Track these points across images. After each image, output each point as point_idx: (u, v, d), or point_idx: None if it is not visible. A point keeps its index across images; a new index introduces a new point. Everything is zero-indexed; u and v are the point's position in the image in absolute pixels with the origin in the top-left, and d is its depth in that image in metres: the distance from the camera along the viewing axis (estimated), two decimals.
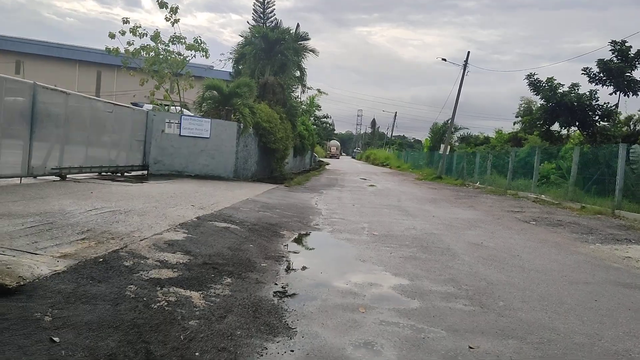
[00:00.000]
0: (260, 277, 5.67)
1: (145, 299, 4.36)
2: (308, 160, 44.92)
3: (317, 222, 10.57)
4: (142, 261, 5.47)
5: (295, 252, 7.45)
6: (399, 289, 5.66)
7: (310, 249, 8.21)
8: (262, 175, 24.00)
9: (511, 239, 9.76)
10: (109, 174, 14.82)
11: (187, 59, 23.73)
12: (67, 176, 12.33)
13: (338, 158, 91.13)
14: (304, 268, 6.41)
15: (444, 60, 35.07)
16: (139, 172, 16.70)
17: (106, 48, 23.50)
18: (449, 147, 37.31)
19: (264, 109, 22.36)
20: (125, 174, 15.60)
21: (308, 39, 32.64)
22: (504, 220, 12.70)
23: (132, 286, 4.62)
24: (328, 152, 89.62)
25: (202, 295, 4.69)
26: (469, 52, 33.60)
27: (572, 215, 14.21)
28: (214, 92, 19.53)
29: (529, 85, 19.46)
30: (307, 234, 9.11)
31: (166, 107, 22.11)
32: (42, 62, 39.75)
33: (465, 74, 33.41)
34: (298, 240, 8.41)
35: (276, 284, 5.48)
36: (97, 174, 14.32)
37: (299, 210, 12.15)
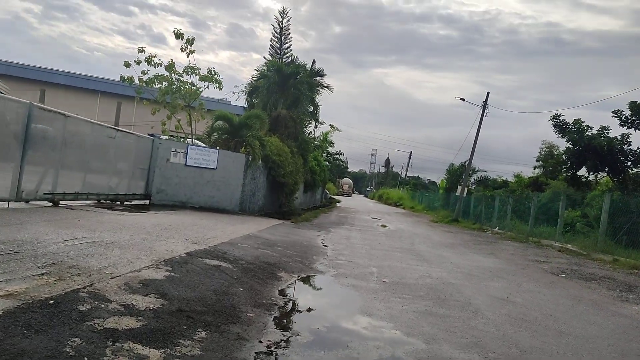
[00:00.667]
0: (243, 331, 4.69)
1: (86, 358, 3.41)
2: (319, 196, 44.06)
3: (320, 263, 9.58)
4: (103, 305, 4.54)
5: (290, 300, 6.46)
6: (413, 355, 4.63)
7: (308, 297, 7.20)
8: (270, 209, 23.12)
9: (540, 293, 8.64)
10: (107, 202, 14.05)
11: (200, 89, 23.39)
12: (61, 202, 11.56)
13: (350, 196, 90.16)
14: (298, 321, 5.41)
15: (463, 100, 34.46)
16: (141, 202, 15.92)
17: (121, 77, 23.24)
18: (466, 189, 36.18)
19: (275, 141, 21.69)
20: (126, 202, 14.82)
21: (323, 75, 32.30)
22: (529, 271, 11.56)
23: (76, 339, 3.69)
24: (340, 190, 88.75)
25: (162, 356, 3.73)
26: (488, 92, 33.04)
27: (605, 269, 12.99)
28: (224, 123, 18.92)
29: (554, 127, 18.55)
30: (307, 278, 8.11)
31: (181, 139, 21.58)
32: (66, 92, 40.24)
33: (485, 114, 32.64)
34: (296, 285, 7.43)
35: (261, 342, 4.50)
36: (96, 201, 13.56)
37: (303, 249, 11.18)
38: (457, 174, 48.09)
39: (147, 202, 16.16)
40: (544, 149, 40.05)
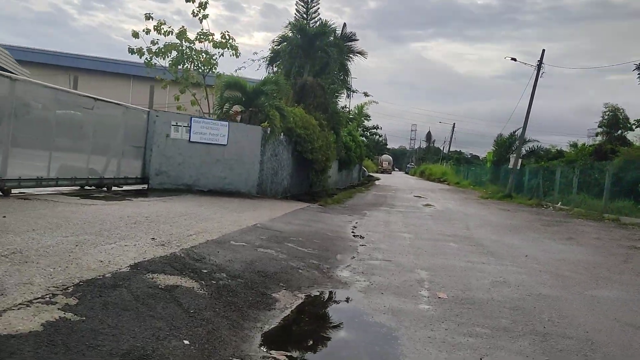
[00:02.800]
0: None
1: None
2: (356, 174, 41.06)
3: (346, 267, 6.72)
4: None
5: None
6: None
7: (310, 346, 4.29)
8: (297, 190, 20.39)
9: None
10: (91, 188, 11.60)
11: (215, 58, 20.69)
12: (15, 190, 9.10)
13: (390, 173, 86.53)
14: None
15: (514, 60, 30.45)
16: (137, 186, 13.43)
17: (129, 49, 20.81)
18: (519, 161, 32.39)
19: (299, 112, 18.79)
20: (115, 188, 12.33)
21: (355, 40, 29.01)
22: (636, 266, 8.36)
23: None
24: (379, 167, 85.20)
25: None
26: (543, 50, 28.89)
27: None
28: (236, 92, 16.15)
29: None
30: (319, 300, 5.24)
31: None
32: (98, 78, 38.72)
33: (540, 75, 28.66)
34: (294, 320, 4.55)
35: None
36: (75, 187, 11.12)
37: (325, 244, 8.33)
38: (507, 145, 44.03)
39: (145, 186, 13.65)
40: (607, 113, 35.61)
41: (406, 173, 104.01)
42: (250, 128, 15.23)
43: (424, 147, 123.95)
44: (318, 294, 5.28)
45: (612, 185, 20.15)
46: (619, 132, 33.50)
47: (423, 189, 38.09)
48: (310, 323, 4.48)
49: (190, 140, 14.09)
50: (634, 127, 14.85)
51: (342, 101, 29.49)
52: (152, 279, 4.65)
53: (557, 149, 42.54)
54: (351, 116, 35.04)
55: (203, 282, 4.84)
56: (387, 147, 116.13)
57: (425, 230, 11.62)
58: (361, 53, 29.50)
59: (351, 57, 29.22)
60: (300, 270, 6.09)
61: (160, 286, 4.49)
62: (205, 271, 5.21)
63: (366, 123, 41.53)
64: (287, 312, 4.55)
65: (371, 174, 59.80)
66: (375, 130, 45.73)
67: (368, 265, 6.91)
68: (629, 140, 32.26)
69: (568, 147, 39.93)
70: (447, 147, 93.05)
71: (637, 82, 15.04)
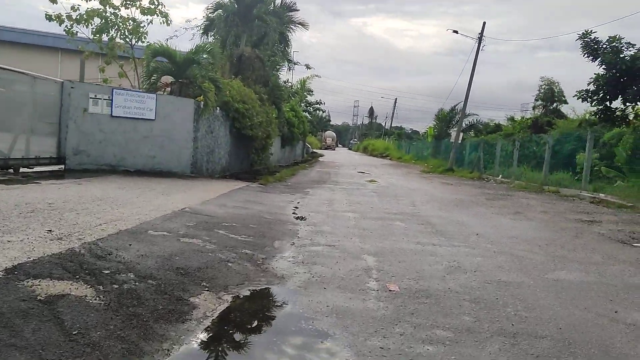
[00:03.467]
0: None
1: None
2: (300, 151, 40.17)
3: (284, 256, 5.87)
4: None
5: None
6: None
7: None
8: (237, 169, 19.32)
9: None
10: None
11: (142, 25, 18.96)
12: None
13: (334, 149, 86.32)
14: None
15: (456, 32, 30.21)
16: (54, 167, 11.95)
17: (46, 15, 18.70)
18: (461, 135, 32.55)
19: (237, 85, 17.59)
20: (25, 169, 10.86)
21: (296, 10, 27.87)
22: (588, 241, 8.03)
23: None
24: (323, 144, 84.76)
25: None
26: (484, 22, 28.82)
27: None
28: (165, 62, 14.74)
29: (583, 48, 14.73)
30: (249, 302, 4.33)
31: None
32: (21, 51, 35.20)
33: (482, 48, 28.61)
34: (213, 335, 3.61)
35: None
36: None
37: (262, 228, 7.44)
38: (447, 119, 44.45)
39: (62, 167, 12.19)
40: (543, 87, 36.38)
41: (349, 149, 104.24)
42: (182, 101, 13.95)
43: (367, 123, 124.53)
44: (249, 294, 4.40)
45: (551, 158, 20.37)
46: (555, 105, 34.37)
47: (366, 164, 37.79)
48: (234, 339, 3.58)
49: (113, 114, 12.68)
50: (575, 98, 14.73)
51: (284, 75, 28.41)
52: (31, 287, 3.62)
53: (495, 123, 43.34)
54: (293, 90, 33.91)
55: (101, 288, 3.85)
56: (331, 123, 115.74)
57: (371, 208, 10.96)
58: (302, 24, 28.39)
59: (292, 29, 28.08)
60: (230, 264, 5.19)
61: (39, 297, 3.47)
62: (106, 272, 4.21)
63: (309, 98, 40.49)
64: (207, 323, 3.65)
65: (315, 150, 59.14)
66: (318, 105, 44.78)
67: (309, 253, 6.10)
68: (563, 112, 33.16)
69: (505, 121, 40.76)
70: (389, 123, 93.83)
71: (580, 53, 14.89)
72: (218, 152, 16.70)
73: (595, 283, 5.32)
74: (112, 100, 12.62)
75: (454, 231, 8.29)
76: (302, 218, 8.95)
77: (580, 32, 14.74)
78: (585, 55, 14.96)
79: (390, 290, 4.69)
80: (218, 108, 16.24)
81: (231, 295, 4.26)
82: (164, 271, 4.55)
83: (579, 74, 27.44)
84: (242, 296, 4.30)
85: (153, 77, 14.49)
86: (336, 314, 3.98)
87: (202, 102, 14.24)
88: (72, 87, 12.18)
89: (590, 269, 5.97)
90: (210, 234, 6.41)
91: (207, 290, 4.27)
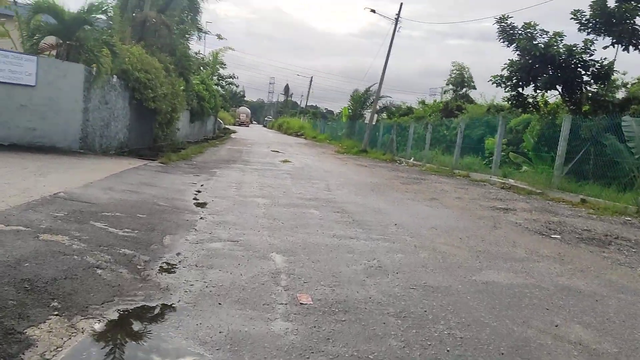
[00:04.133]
0: None
1: None
2: (211, 127, 38.32)
3: (173, 258, 4.83)
4: None
5: None
6: None
7: None
8: (139, 144, 17.64)
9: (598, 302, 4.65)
10: None
11: None
12: None
13: (248, 126, 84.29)
14: None
15: (373, 11, 29.80)
16: None
17: None
18: (375, 116, 32.50)
19: (137, 52, 15.84)
20: None
21: None
22: (508, 232, 7.72)
23: None
24: (237, 120, 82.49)
25: None
26: (401, 3, 28.62)
27: (590, 218, 9.63)
28: (50, 19, 12.75)
29: (499, 32, 14.67)
30: (113, 334, 3.24)
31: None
32: None
33: (397, 29, 28.49)
34: None
35: None
36: None
37: (152, 219, 6.30)
38: (362, 100, 44.45)
39: None
40: (454, 71, 37.27)
41: (264, 126, 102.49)
42: (69, 66, 12.14)
43: (282, 100, 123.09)
44: (116, 317, 3.34)
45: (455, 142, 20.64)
46: (464, 90, 35.37)
47: (281, 142, 36.86)
48: None
49: None
50: (490, 83, 14.75)
51: (195, 46, 26.46)
52: None
53: (407, 106, 44.01)
54: (204, 62, 31.93)
55: None
56: (245, 99, 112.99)
57: (283, 193, 10.10)
58: None
59: None
60: (99, 271, 4.08)
61: None
62: None
63: (222, 71, 38.56)
64: None
65: (228, 126, 57.14)
66: (231, 79, 42.83)
67: (206, 252, 5.11)
68: (472, 98, 34.20)
69: (417, 105, 41.51)
70: (305, 102, 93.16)
71: (495, 36, 14.85)
72: (115, 126, 14.98)
73: (526, 286, 4.84)
74: None
75: (372, 221, 7.64)
76: (204, 205, 7.88)
77: (498, 17, 14.66)
78: (501, 40, 14.96)
79: (301, 304, 3.86)
80: (115, 77, 14.50)
81: (89, 322, 3.20)
82: (0, 286, 3.38)
83: (486, 61, 28.22)
84: (106, 322, 3.25)
85: (35, 37, 12.47)
86: (231, 345, 3.07)
87: (95, 69, 12.50)
88: None
89: (517, 268, 5.52)
90: (83, 228, 5.20)
91: (57, 315, 3.17)
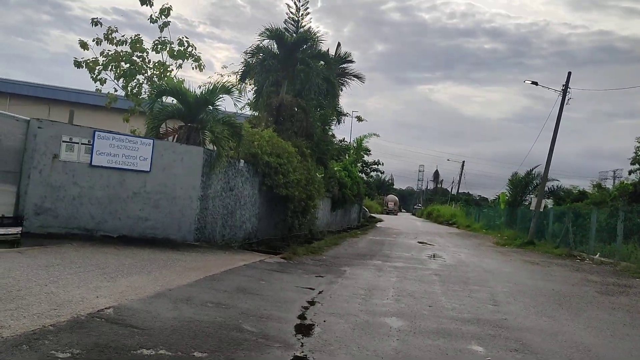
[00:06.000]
0: None
1: None
2: (355, 215, 36.58)
3: None
4: None
5: None
6: None
7: None
8: (271, 234, 16.18)
9: None
10: None
11: (170, 68, 16.73)
12: None
13: (396, 214, 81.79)
14: None
15: (535, 84, 26.30)
16: (8, 230, 9.15)
17: (75, 61, 16.99)
18: (543, 202, 27.87)
19: (268, 135, 14.67)
20: None
21: (351, 61, 25.37)
22: None
23: None
24: (385, 208, 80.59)
25: None
26: (569, 72, 24.81)
27: None
28: (173, 101, 12.06)
29: None
30: None
31: None
32: (94, 111, 35.02)
33: (567, 101, 24.54)
34: None
35: None
36: None
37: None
38: (523, 184, 39.61)
39: (19, 230, 9.35)
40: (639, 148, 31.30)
41: (413, 214, 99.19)
42: (187, 149, 11.02)
43: (432, 187, 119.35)
44: None
45: None
46: None
47: (430, 232, 33.47)
48: None
49: (93, 163, 9.87)
50: None
51: (339, 133, 25.49)
52: None
53: (579, 190, 38.06)
54: (346, 147, 30.82)
55: None
56: (394, 187, 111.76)
57: (429, 307, 7.16)
58: (358, 77, 25.69)
59: (347, 81, 25.46)
60: None
61: None
62: None
63: (367, 158, 37.27)
64: None
65: (374, 214, 55.21)
66: (376, 165, 41.38)
67: None
68: None
69: (591, 189, 35.54)
70: (456, 188, 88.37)
71: None
72: (241, 215, 13.55)
73: None
74: (92, 145, 9.86)
75: None
76: (309, 330, 5.34)
77: None
78: None
79: None
80: (242, 161, 13.27)
81: None
82: None
83: None
84: None
85: (157, 121, 11.76)
86: None
87: (215, 151, 11.28)
88: (39, 127, 9.52)
89: None
90: None
91: None
